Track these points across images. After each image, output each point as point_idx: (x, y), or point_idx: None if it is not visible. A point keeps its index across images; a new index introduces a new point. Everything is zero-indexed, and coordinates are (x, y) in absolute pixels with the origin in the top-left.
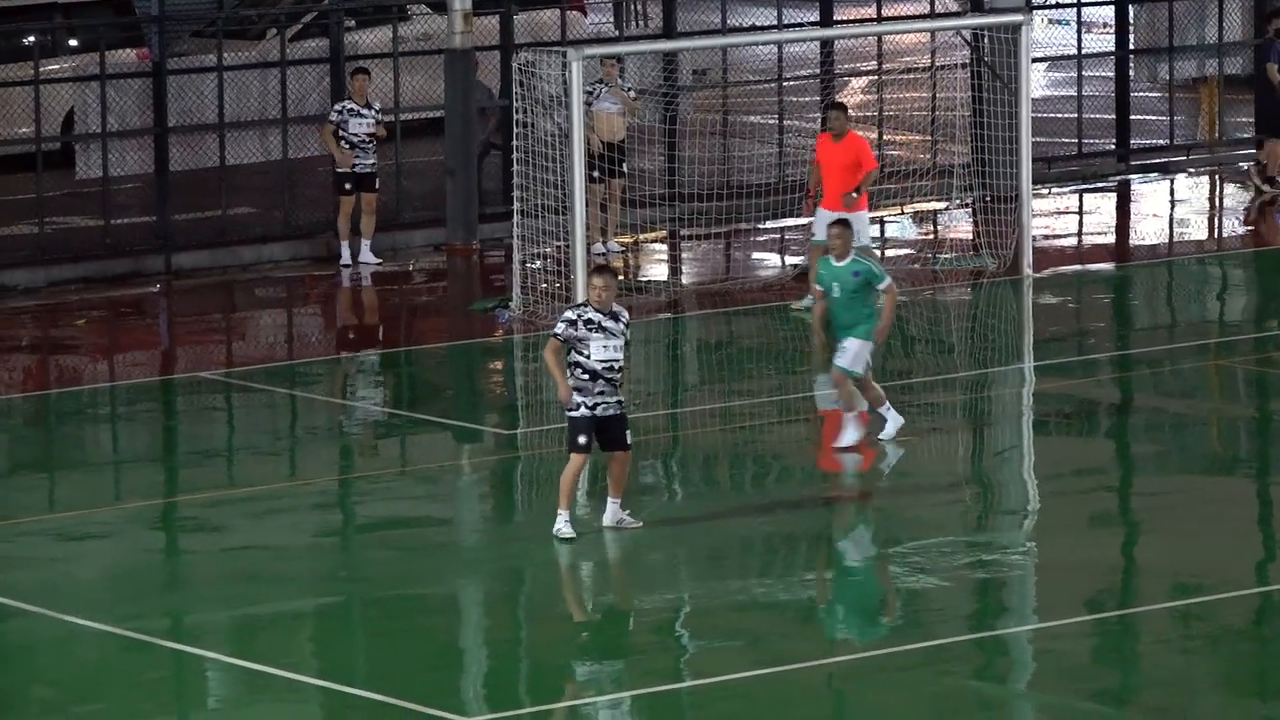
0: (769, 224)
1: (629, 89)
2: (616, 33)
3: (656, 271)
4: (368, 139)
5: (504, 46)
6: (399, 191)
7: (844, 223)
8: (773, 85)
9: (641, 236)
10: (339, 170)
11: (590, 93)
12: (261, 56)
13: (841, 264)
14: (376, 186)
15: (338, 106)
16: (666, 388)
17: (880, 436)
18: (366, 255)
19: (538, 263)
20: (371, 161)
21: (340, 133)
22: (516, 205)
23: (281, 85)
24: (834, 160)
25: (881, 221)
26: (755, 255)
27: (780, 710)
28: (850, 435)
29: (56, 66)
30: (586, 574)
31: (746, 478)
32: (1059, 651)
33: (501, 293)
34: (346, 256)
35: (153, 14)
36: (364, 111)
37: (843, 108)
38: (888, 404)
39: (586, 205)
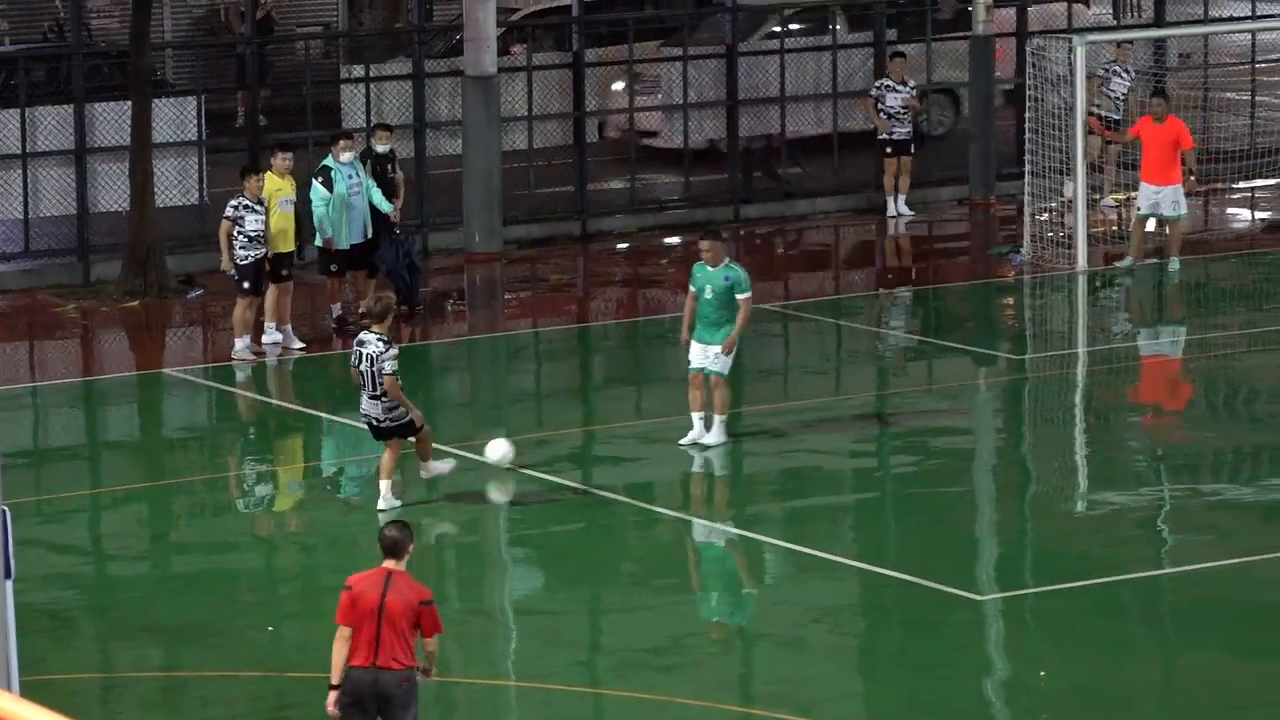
0: (1242, 184)
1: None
2: (1115, 22)
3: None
4: (903, 110)
5: (1020, 34)
6: (932, 155)
7: (715, 234)
8: (1247, 67)
9: (1131, 195)
10: (879, 137)
11: (1105, 71)
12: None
13: (714, 270)
14: (913, 151)
15: (877, 83)
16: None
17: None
18: (903, 209)
19: (1045, 215)
20: (907, 130)
21: (879, 105)
22: (1028, 166)
23: (833, 65)
24: (1155, 139)
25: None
26: (1229, 210)
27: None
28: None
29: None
30: (1079, 475)
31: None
32: None
33: (1014, 240)
34: (892, 209)
35: (727, 5)
36: (899, 88)
37: (1163, 93)
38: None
39: (1091, 168)
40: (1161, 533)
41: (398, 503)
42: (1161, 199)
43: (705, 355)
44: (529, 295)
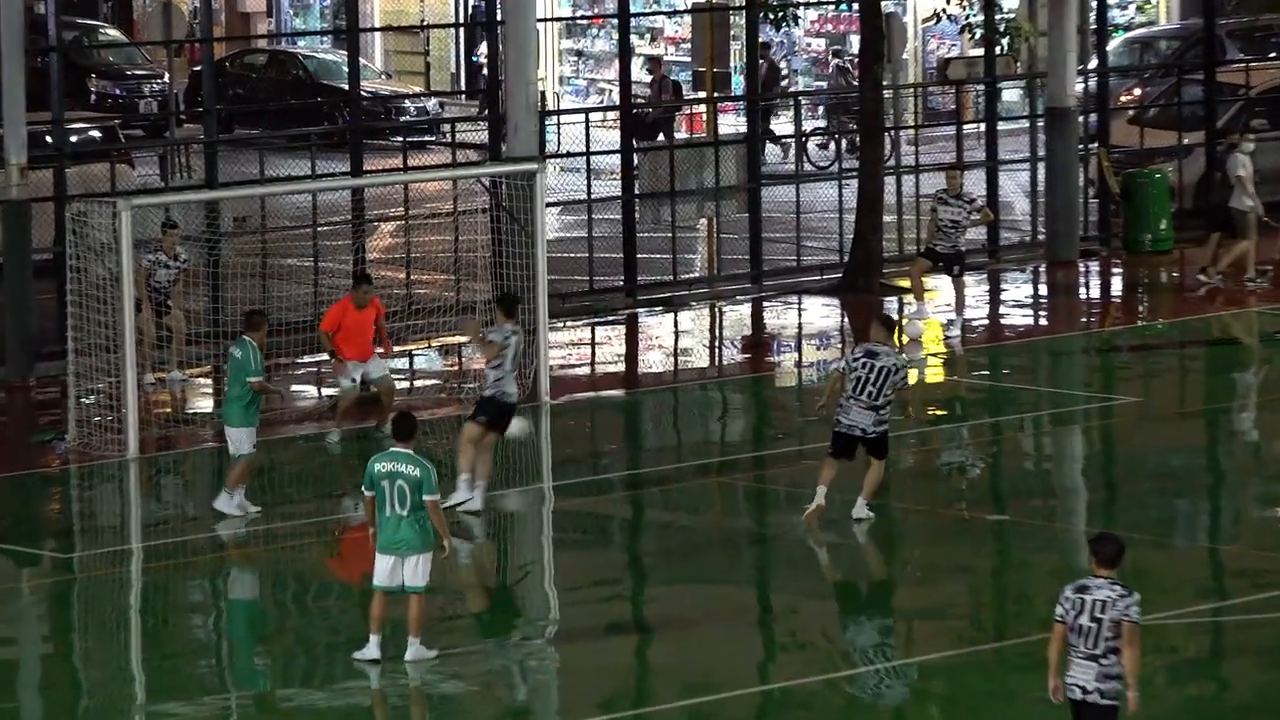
0: (307, 358)
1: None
2: (163, 184)
3: (203, 404)
4: None
5: (59, 198)
6: None
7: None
8: (308, 230)
9: (188, 371)
10: None
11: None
12: None
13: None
14: None
15: None
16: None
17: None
18: None
19: (91, 398)
20: None
21: None
22: (71, 344)
23: None
24: (356, 321)
25: (410, 355)
26: (294, 387)
27: None
28: None
29: None
30: None
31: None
32: None
33: (58, 425)
34: None
35: None
36: None
37: (369, 279)
38: None
39: (140, 341)
40: None
41: None
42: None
43: None
44: None
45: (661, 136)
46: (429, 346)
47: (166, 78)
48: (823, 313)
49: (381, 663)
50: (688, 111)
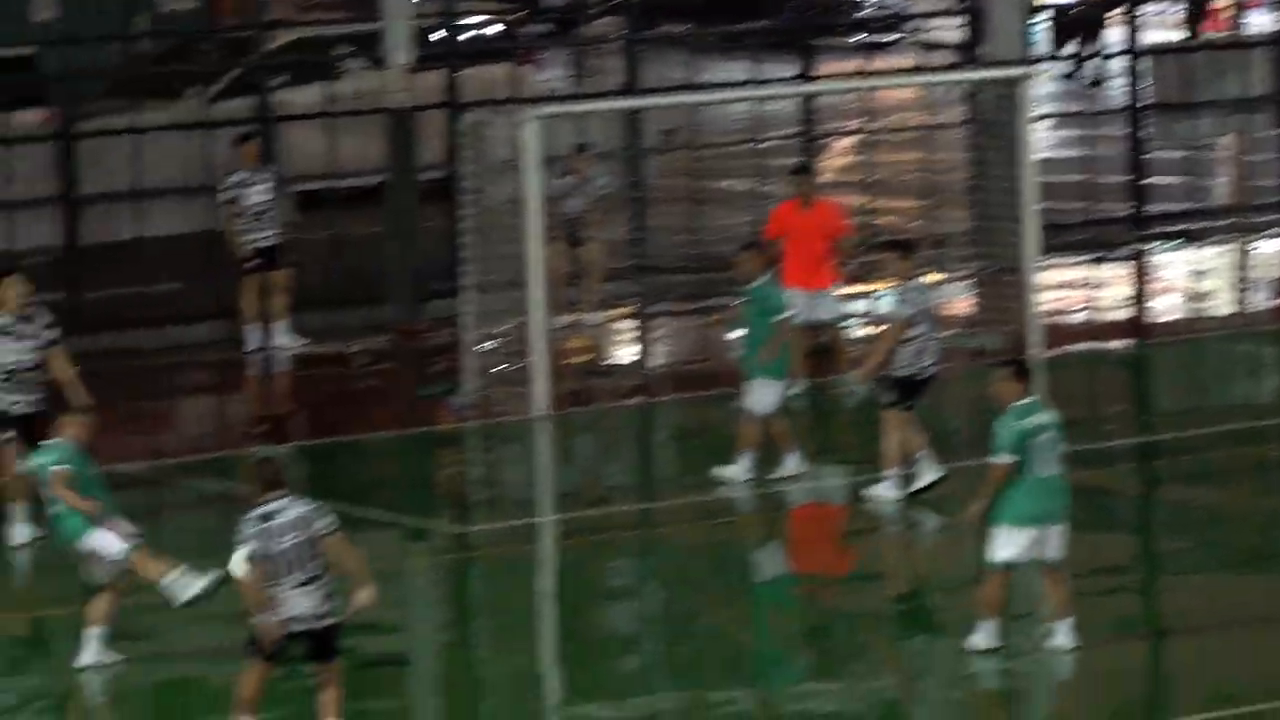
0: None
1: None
2: (573, 90)
3: (624, 352)
4: (266, 208)
5: (450, 105)
6: (332, 266)
7: (755, 245)
8: (748, 146)
9: (606, 314)
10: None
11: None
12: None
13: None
14: (283, 261)
15: (229, 179)
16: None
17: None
18: (283, 338)
19: (491, 344)
20: (274, 233)
21: (236, 207)
22: (466, 280)
23: (206, 148)
24: (803, 229)
25: (871, 295)
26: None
27: None
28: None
29: None
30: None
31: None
32: None
33: (451, 377)
34: (255, 341)
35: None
36: (257, 180)
37: (808, 169)
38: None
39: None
40: None
41: None
42: (819, 305)
43: None
44: None
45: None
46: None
47: None
48: None
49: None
50: (1210, 6)
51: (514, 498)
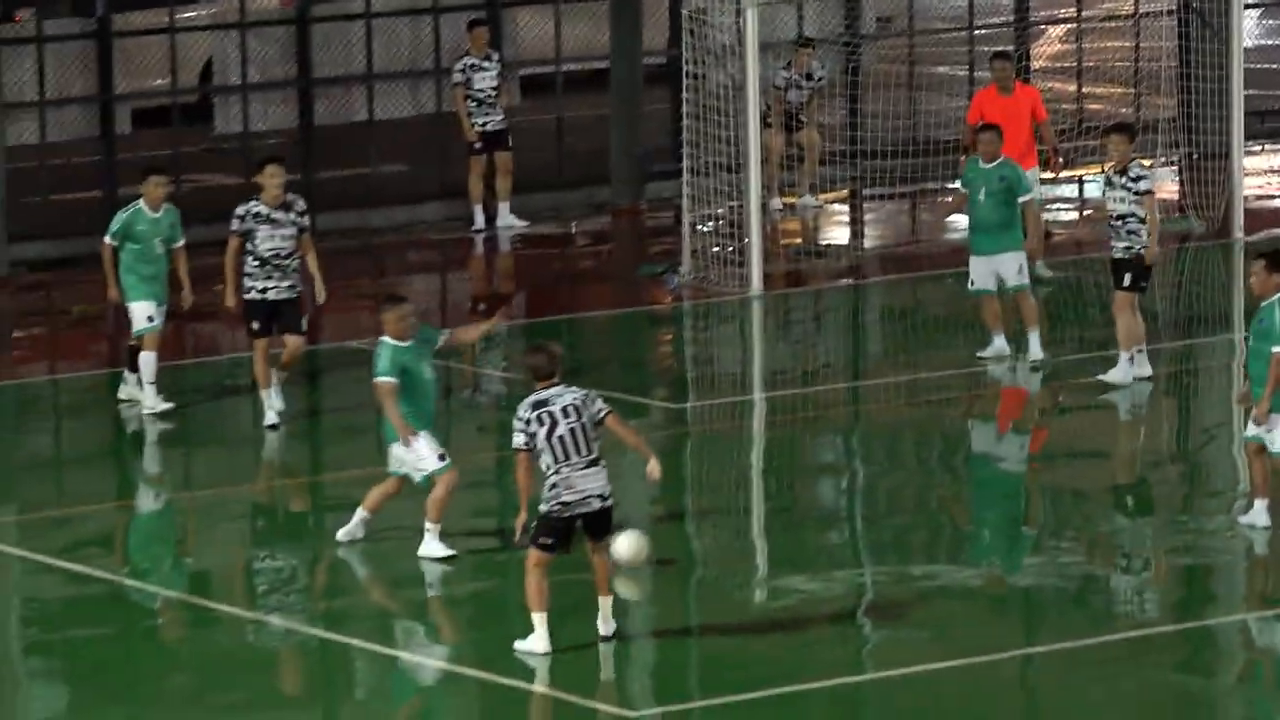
0: (958, 184)
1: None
2: None
3: (838, 234)
4: (494, 93)
5: None
6: (560, 149)
7: (995, 128)
8: (963, 34)
9: (822, 196)
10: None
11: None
12: (411, 2)
13: (989, 166)
14: (510, 144)
15: (460, 64)
16: (848, 360)
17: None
18: (506, 218)
19: (709, 225)
20: (500, 117)
21: (466, 91)
22: (687, 163)
23: (435, 34)
24: (1004, 115)
25: (1080, 180)
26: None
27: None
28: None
29: (194, 14)
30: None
31: (933, 454)
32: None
33: (671, 257)
34: (480, 221)
35: None
36: (486, 65)
37: (1007, 56)
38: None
39: (766, 160)
40: (863, 629)
41: None
42: None
43: (991, 270)
44: (45, 331)
45: None
46: (1101, 171)
47: None
48: None
49: None
50: None
51: (728, 375)
